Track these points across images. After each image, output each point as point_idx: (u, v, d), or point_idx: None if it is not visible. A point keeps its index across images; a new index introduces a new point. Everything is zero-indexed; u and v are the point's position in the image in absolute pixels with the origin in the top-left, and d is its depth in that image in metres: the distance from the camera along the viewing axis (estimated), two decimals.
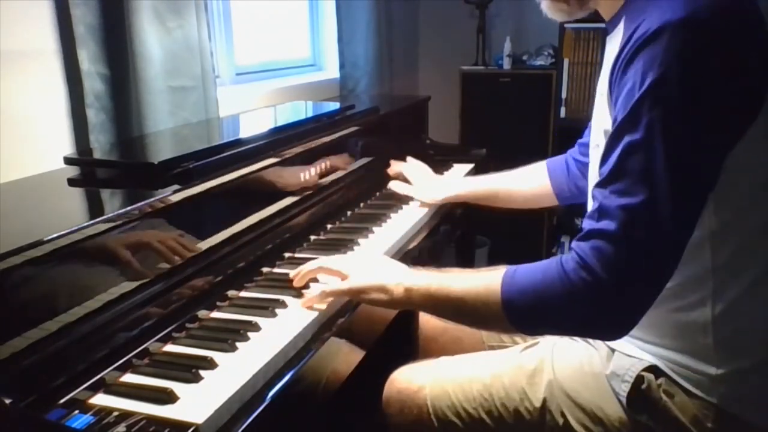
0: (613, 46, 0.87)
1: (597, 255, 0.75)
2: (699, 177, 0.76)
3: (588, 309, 0.77)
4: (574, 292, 0.76)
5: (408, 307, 0.94)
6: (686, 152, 0.74)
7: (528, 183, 1.37)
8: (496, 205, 1.40)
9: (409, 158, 1.62)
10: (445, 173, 1.83)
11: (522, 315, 0.82)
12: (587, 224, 0.79)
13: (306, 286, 1.02)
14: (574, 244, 0.79)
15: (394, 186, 1.54)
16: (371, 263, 0.99)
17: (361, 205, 1.49)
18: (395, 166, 1.61)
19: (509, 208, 1.40)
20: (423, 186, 1.50)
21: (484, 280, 0.84)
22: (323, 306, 0.96)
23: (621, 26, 0.85)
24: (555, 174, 1.33)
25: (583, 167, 1.22)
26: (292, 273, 1.03)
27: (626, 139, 0.75)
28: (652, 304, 0.78)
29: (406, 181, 1.56)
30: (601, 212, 0.77)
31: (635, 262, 0.75)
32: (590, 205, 0.81)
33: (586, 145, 1.20)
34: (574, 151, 1.30)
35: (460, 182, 1.44)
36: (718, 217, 0.79)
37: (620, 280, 0.75)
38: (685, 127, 0.73)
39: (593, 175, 0.89)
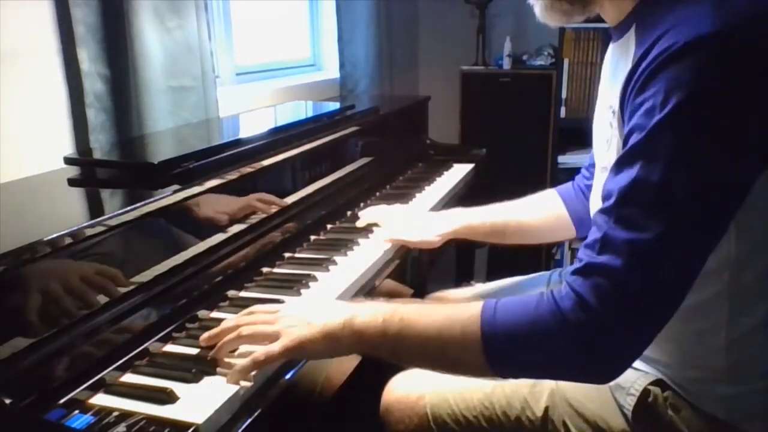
0: (621, 56, 0.82)
1: (598, 293, 0.67)
2: (721, 209, 0.69)
3: (582, 351, 0.70)
4: (569, 333, 0.69)
5: (359, 353, 0.80)
6: (711, 184, 0.66)
7: (540, 213, 1.18)
8: (503, 242, 1.18)
9: (378, 207, 1.32)
10: (445, 173, 1.83)
11: (505, 356, 0.73)
12: (586, 256, 0.71)
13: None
14: (569, 278, 0.71)
15: (387, 235, 1.22)
16: (302, 311, 0.82)
17: (362, 205, 1.49)
18: (366, 218, 1.29)
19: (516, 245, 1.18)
20: (412, 225, 1.23)
21: (458, 316, 0.73)
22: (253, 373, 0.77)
23: (631, 35, 0.78)
24: (571, 201, 1.16)
25: None
26: (204, 337, 0.83)
27: (640, 164, 0.67)
28: (654, 337, 0.72)
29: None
30: (603, 244, 0.69)
31: (642, 304, 0.68)
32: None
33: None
34: (582, 178, 1.17)
35: (457, 216, 1.19)
36: (739, 245, 0.75)
37: (623, 322, 0.68)
38: (713, 156, 0.66)
39: (596, 199, 0.82)
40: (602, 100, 0.90)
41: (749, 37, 0.66)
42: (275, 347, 0.76)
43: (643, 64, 0.69)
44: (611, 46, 0.88)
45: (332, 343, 0.76)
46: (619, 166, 0.71)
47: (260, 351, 0.76)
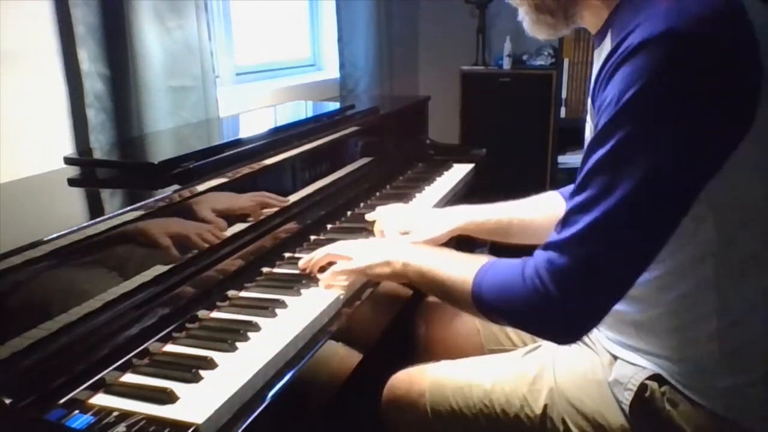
0: (600, 59, 0.84)
1: (548, 266, 0.76)
2: (664, 200, 0.73)
3: (538, 315, 0.80)
4: (528, 298, 0.79)
5: (405, 280, 1.01)
6: (653, 175, 0.71)
7: (544, 213, 1.19)
8: (506, 241, 1.21)
9: (380, 208, 1.31)
10: (445, 173, 1.83)
11: (487, 308, 0.86)
12: (551, 234, 0.79)
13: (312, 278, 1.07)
14: (536, 251, 0.80)
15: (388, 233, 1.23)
16: (373, 244, 1.07)
17: (361, 205, 1.49)
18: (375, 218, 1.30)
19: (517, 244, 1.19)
20: (411, 225, 1.22)
21: (464, 270, 0.89)
22: (344, 283, 1.04)
23: (608, 40, 0.82)
24: None
25: None
26: (302, 262, 1.09)
27: (596, 153, 0.74)
28: (603, 316, 0.79)
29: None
30: (562, 224, 0.78)
31: (581, 278, 0.76)
32: None
33: None
34: None
35: (462, 213, 1.21)
36: (719, 232, 0.77)
37: (565, 293, 0.76)
38: (657, 148, 0.71)
39: None
40: (589, 103, 0.93)
41: (697, 36, 0.69)
42: (351, 264, 1.02)
43: (609, 63, 0.74)
44: (595, 54, 0.90)
45: (388, 268, 0.98)
46: (584, 155, 0.77)
47: (340, 264, 1.03)
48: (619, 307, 0.88)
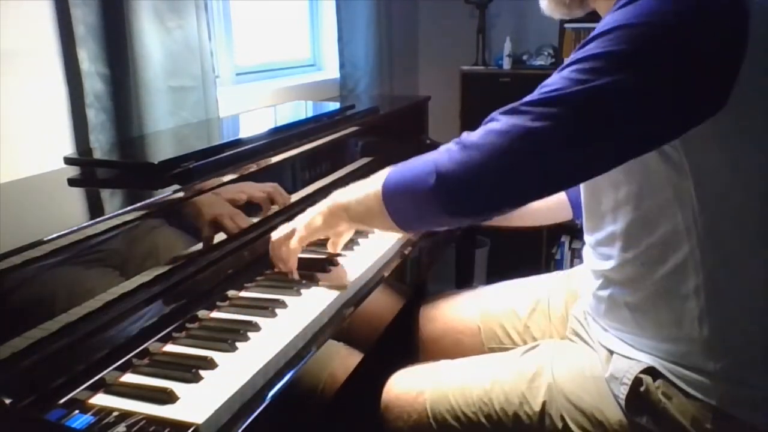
0: None
1: (483, 131, 0.81)
2: (629, 115, 0.75)
3: (447, 180, 0.81)
4: (439, 161, 0.82)
5: (336, 221, 1.02)
6: (605, 98, 0.73)
7: None
8: (507, 225, 1.26)
9: None
10: None
11: (394, 192, 0.89)
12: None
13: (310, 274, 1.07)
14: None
15: None
16: (306, 211, 1.07)
17: None
18: None
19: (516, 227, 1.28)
20: None
21: (378, 180, 0.92)
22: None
23: None
24: None
25: None
26: (281, 268, 1.08)
27: (565, 62, 0.78)
28: (505, 203, 0.83)
29: None
30: (510, 106, 0.81)
31: (511, 141, 0.78)
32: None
33: None
34: None
35: None
36: (700, 203, 0.79)
37: (489, 155, 0.79)
38: (622, 77, 0.73)
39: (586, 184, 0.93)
40: None
41: None
42: (294, 237, 1.03)
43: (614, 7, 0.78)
44: None
45: (321, 217, 1.01)
46: (573, 53, 0.79)
47: (290, 243, 1.03)
48: (612, 291, 0.90)
